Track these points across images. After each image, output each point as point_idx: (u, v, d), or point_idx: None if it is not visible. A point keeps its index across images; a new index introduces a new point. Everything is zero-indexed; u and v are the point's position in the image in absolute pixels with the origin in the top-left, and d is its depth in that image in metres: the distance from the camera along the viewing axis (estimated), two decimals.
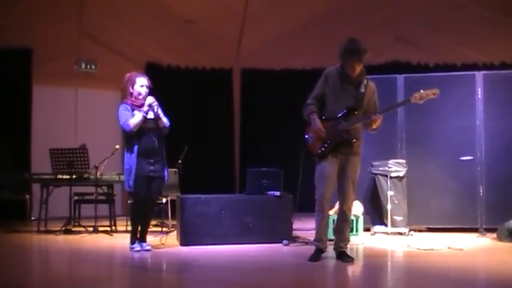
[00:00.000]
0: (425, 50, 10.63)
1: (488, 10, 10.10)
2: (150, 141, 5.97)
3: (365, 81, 5.45)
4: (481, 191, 7.55)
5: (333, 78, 5.47)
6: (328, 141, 5.41)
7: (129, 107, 6.01)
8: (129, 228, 6.39)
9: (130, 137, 5.97)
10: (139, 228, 6.10)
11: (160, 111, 6.05)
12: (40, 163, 8.72)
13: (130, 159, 5.93)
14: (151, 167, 5.97)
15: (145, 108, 5.93)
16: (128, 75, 6.14)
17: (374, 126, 5.36)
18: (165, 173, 6.13)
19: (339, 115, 5.40)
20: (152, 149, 5.97)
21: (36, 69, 9.76)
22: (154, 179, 6.04)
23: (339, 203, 5.59)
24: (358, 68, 5.37)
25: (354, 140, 5.42)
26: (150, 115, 5.99)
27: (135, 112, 5.95)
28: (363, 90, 5.42)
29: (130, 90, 6.08)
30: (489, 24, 10.14)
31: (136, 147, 5.92)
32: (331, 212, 5.86)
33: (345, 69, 5.42)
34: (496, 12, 10.08)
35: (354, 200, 5.85)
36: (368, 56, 5.31)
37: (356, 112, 5.39)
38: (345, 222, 5.56)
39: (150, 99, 5.97)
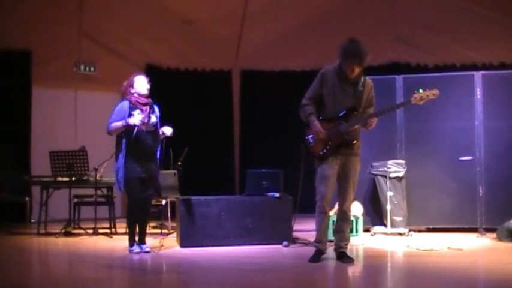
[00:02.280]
0: (425, 50, 10.63)
1: (487, 10, 10.09)
2: (144, 144, 5.97)
3: (362, 79, 5.45)
4: (480, 191, 7.55)
5: (330, 78, 5.45)
6: (330, 143, 5.40)
7: (126, 106, 6.00)
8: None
9: (122, 138, 5.96)
10: (137, 230, 6.11)
11: (154, 118, 6.06)
12: (40, 165, 8.71)
13: (119, 160, 5.96)
14: (143, 169, 5.98)
15: (138, 122, 5.87)
16: (124, 83, 6.16)
17: (369, 128, 5.39)
18: (158, 175, 6.17)
19: (339, 116, 5.41)
20: (144, 153, 5.98)
21: (35, 71, 9.75)
22: (147, 180, 6.04)
23: (339, 204, 5.58)
24: (357, 70, 5.37)
25: (355, 141, 5.43)
26: (153, 118, 6.01)
27: (135, 112, 5.94)
28: (361, 88, 5.42)
29: (132, 91, 6.09)
30: (488, 25, 10.13)
31: (126, 149, 5.92)
32: (331, 213, 5.86)
33: (342, 69, 5.42)
34: (495, 13, 10.07)
35: (354, 200, 5.85)
36: (368, 58, 5.31)
37: (356, 112, 5.40)
38: (345, 222, 5.57)
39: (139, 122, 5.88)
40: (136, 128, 5.85)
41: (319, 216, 5.49)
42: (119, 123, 5.90)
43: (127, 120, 5.85)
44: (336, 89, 5.42)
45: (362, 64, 5.33)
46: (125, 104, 6.03)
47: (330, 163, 5.41)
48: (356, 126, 5.40)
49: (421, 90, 5.30)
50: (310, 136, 5.50)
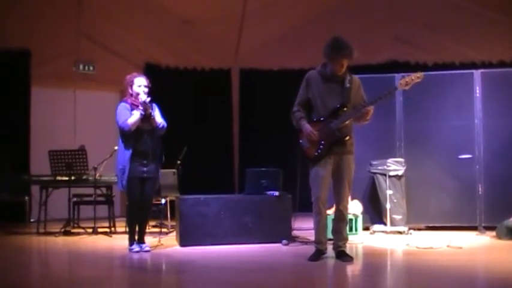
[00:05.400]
0: (424, 49, 10.64)
1: (486, 9, 10.10)
2: (145, 143, 5.99)
3: (349, 77, 5.43)
4: (479, 189, 7.55)
5: (315, 81, 5.46)
6: (323, 142, 5.40)
7: (128, 106, 6.03)
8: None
9: (127, 137, 5.97)
10: (136, 229, 6.11)
11: (157, 111, 6.08)
12: (39, 165, 8.70)
13: (124, 159, 5.95)
14: (144, 168, 5.99)
15: (141, 107, 5.94)
16: (127, 77, 6.18)
17: (367, 118, 5.36)
18: (158, 174, 6.18)
19: (329, 114, 5.39)
20: (146, 152, 5.99)
21: (34, 71, 9.75)
22: (148, 180, 6.04)
23: (335, 203, 5.56)
24: (346, 65, 5.35)
25: (347, 138, 5.41)
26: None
27: (134, 112, 5.96)
28: (348, 85, 5.40)
29: (130, 91, 6.13)
30: (487, 23, 10.15)
31: (131, 148, 5.93)
32: (329, 212, 5.85)
33: (328, 69, 5.40)
34: (494, 11, 10.09)
35: (353, 199, 5.84)
36: (356, 54, 5.28)
37: (345, 109, 5.38)
38: (342, 222, 5.56)
39: (144, 97, 5.98)
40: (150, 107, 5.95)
41: (316, 217, 5.49)
42: (135, 116, 5.90)
43: (140, 105, 5.91)
44: (322, 90, 5.42)
45: (351, 57, 5.29)
46: (125, 104, 6.06)
47: (323, 163, 5.40)
48: (347, 122, 5.38)
49: (405, 76, 5.33)
50: (303, 139, 5.50)
